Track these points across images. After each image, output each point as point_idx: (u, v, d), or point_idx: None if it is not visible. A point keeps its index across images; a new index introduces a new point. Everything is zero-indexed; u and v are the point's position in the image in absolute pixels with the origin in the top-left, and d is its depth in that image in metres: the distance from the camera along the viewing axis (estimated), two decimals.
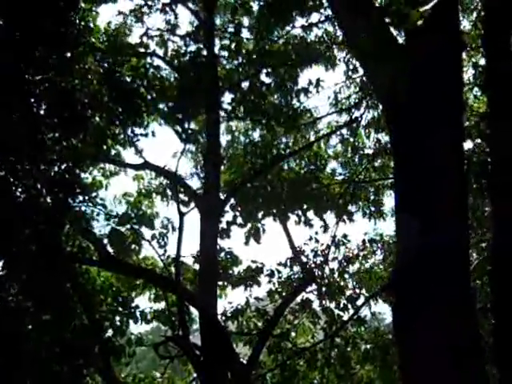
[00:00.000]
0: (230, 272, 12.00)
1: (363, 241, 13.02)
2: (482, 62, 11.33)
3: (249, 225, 12.28)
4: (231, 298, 12.24)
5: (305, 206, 12.47)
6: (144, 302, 11.90)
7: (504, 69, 5.23)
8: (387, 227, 14.04)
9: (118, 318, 10.61)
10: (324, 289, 12.04)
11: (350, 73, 12.43)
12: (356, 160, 13.08)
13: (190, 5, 12.03)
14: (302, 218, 12.47)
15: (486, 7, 5.96)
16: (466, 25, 11.33)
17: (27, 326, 8.08)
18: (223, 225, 11.88)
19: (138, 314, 11.05)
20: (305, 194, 12.29)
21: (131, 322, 10.83)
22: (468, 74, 11.39)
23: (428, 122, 5.52)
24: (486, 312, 9.21)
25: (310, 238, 12.34)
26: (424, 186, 5.39)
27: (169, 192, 12.59)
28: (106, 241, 10.75)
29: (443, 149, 5.41)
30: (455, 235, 5.22)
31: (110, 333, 10.19)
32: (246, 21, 12.20)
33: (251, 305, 12.19)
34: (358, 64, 12.09)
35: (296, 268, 12.33)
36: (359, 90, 12.61)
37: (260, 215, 12.36)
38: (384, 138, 12.57)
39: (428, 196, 5.33)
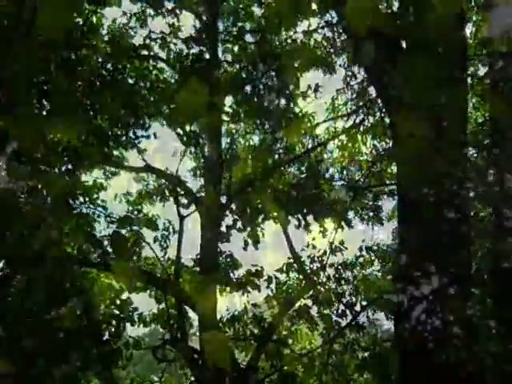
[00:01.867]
0: (231, 275, 11.95)
1: (360, 248, 12.98)
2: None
3: (248, 229, 12.27)
4: (229, 303, 12.21)
5: (304, 211, 12.45)
6: (144, 302, 11.85)
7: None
8: (385, 234, 14.07)
9: (114, 322, 10.54)
10: (320, 295, 11.99)
11: (347, 79, 12.44)
12: (354, 166, 13.08)
13: (194, 8, 12.04)
14: (302, 223, 12.44)
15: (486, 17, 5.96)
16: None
17: (27, 327, 8.04)
18: (223, 228, 11.87)
19: (135, 316, 11.00)
20: (305, 198, 12.27)
21: (128, 324, 10.76)
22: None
23: None
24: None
25: (308, 245, 12.32)
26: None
27: (167, 194, 12.60)
28: (106, 242, 10.71)
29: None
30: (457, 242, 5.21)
31: (107, 336, 10.13)
32: (248, 25, 12.23)
33: (248, 311, 12.13)
34: (356, 70, 12.13)
35: (292, 274, 12.30)
36: (357, 96, 12.62)
37: (260, 219, 12.36)
38: (380, 144, 12.62)
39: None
